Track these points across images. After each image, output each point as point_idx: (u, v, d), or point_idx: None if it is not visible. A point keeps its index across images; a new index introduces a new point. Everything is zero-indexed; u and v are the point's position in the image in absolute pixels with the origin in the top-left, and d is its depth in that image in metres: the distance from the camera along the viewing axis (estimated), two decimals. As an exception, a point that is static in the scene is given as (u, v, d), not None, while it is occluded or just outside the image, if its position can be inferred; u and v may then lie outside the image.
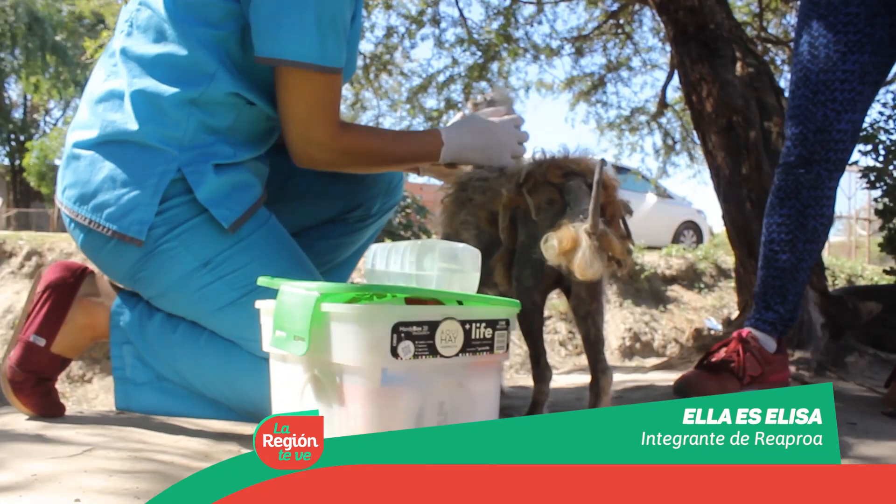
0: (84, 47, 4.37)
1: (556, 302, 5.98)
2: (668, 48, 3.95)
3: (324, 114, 1.40)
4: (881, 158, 3.33)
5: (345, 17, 1.40)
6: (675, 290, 8.69)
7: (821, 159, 1.83)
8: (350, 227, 1.76)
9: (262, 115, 1.45)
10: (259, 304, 1.23)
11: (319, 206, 1.72)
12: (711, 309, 8.42)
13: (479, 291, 1.24)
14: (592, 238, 1.25)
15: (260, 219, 1.43)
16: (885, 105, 3.46)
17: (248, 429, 1.51)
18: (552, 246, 1.28)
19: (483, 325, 1.08)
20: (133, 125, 1.36)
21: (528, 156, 1.60)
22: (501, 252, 1.51)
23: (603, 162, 1.26)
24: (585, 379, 1.53)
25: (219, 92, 1.37)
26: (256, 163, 1.48)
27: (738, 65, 3.05)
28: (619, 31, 5.28)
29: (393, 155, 1.54)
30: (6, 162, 21.22)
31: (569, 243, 1.26)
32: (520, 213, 1.44)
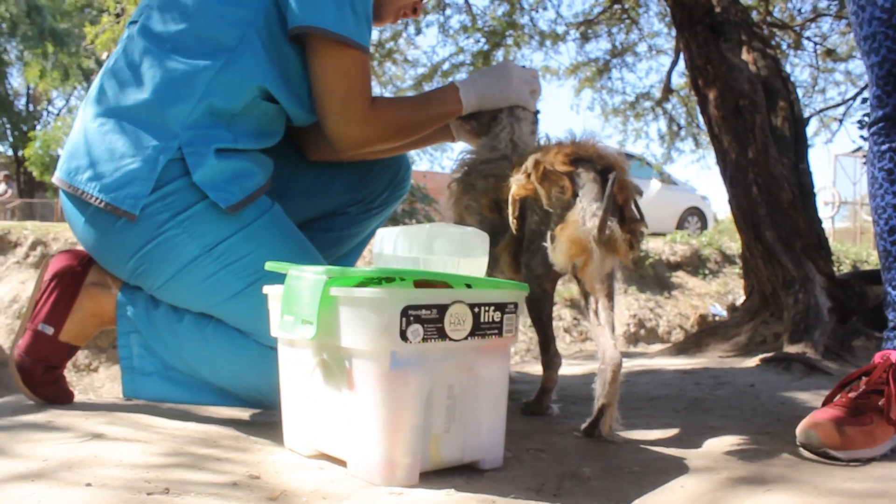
0: (86, 33, 4.35)
1: (559, 289, 5.97)
2: (674, 33, 3.92)
3: (360, 90, 1.42)
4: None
5: (371, 7, 1.43)
6: (679, 277, 8.67)
7: None
8: (351, 219, 1.76)
9: (271, 112, 1.45)
10: (267, 289, 1.23)
11: (322, 200, 1.73)
12: (716, 295, 8.41)
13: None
14: (600, 245, 1.26)
15: (263, 205, 1.43)
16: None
17: (256, 415, 1.52)
18: (562, 251, 1.30)
19: (492, 308, 1.08)
20: (142, 95, 1.36)
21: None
22: (507, 240, 1.50)
23: (615, 177, 1.28)
24: (592, 365, 1.52)
25: (236, 72, 1.37)
26: (260, 154, 1.48)
27: (745, 49, 3.02)
28: (625, 16, 5.23)
29: (423, 116, 1.55)
30: (9, 152, 21.22)
31: (577, 250, 1.28)
32: (529, 200, 1.43)
